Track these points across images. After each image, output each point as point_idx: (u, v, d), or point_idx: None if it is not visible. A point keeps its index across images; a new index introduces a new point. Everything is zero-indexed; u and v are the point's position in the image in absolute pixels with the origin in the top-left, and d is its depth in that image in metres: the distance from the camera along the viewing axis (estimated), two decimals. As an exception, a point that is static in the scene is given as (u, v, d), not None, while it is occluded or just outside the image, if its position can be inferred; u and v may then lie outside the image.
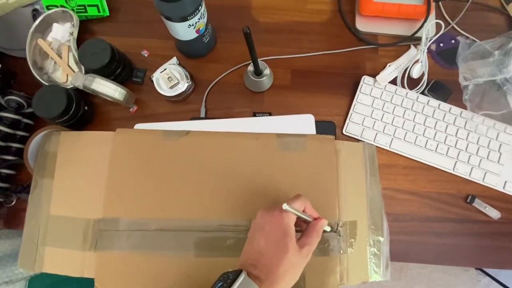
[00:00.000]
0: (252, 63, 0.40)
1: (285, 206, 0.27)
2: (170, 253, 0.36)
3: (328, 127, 0.43)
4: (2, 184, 0.41)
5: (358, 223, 0.38)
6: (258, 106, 0.45)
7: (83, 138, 0.41)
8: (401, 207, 0.42)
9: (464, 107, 0.44)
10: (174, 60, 0.44)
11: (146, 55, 0.47)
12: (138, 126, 0.42)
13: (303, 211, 0.30)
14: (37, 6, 0.47)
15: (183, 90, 0.43)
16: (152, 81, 0.43)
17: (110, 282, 0.36)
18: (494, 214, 0.42)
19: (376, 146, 0.42)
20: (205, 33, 0.42)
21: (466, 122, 0.43)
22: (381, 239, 0.39)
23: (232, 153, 0.39)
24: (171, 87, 0.42)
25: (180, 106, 0.45)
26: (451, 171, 0.43)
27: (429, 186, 0.43)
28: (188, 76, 0.43)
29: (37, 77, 0.43)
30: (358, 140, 0.43)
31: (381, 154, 0.43)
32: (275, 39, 0.47)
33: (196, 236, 0.37)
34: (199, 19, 0.38)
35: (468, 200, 0.42)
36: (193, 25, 0.38)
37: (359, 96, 0.44)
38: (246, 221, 0.37)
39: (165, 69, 0.43)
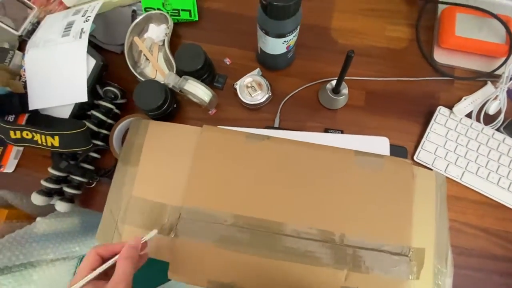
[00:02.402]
0: (335, 81, 0.42)
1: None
2: (241, 249, 0.38)
3: (400, 152, 0.44)
4: (88, 166, 0.44)
5: (426, 251, 0.38)
6: (330, 123, 0.47)
7: (170, 129, 0.43)
8: (467, 242, 0.42)
9: (542, 150, 0.43)
10: (257, 71, 0.47)
11: (228, 62, 0.50)
12: (223, 128, 0.45)
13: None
14: (135, 7, 0.52)
15: (263, 100, 0.45)
16: (235, 88, 0.46)
17: (182, 267, 0.38)
18: None
19: (447, 177, 0.43)
20: (291, 49, 0.44)
21: (541, 165, 0.43)
22: (445, 270, 0.38)
23: (309, 162, 0.41)
24: (253, 96, 0.45)
25: (255, 114, 0.48)
26: (523, 212, 0.42)
27: (498, 224, 0.42)
28: (269, 88, 0.46)
29: (132, 70, 0.47)
30: (429, 169, 0.44)
31: (451, 185, 0.43)
32: (353, 61, 0.48)
33: (268, 237, 0.38)
34: (294, 37, 0.41)
35: (538, 244, 0.41)
36: (287, 41, 0.41)
37: (433, 126, 0.45)
38: (317, 231, 0.38)
39: (249, 79, 0.45)
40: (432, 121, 0.45)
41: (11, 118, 0.46)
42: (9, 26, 0.48)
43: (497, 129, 0.45)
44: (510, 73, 0.45)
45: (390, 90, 0.48)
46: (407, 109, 0.47)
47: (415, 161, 0.44)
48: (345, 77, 0.47)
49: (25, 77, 0.46)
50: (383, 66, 0.49)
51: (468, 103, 0.45)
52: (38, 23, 0.51)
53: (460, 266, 0.41)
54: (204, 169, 0.41)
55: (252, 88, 0.45)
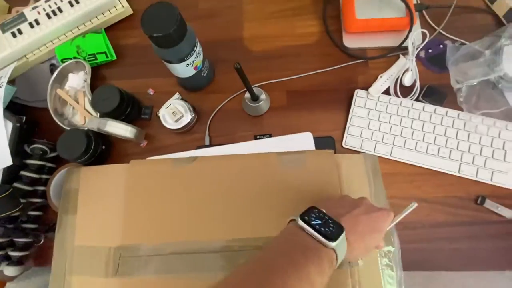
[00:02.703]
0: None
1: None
2: (185, 276, 0.38)
3: (328, 143, 0.45)
4: (31, 225, 0.45)
5: None
6: (259, 129, 0.48)
7: (101, 171, 0.44)
8: (410, 215, 0.42)
9: (461, 109, 0.44)
10: (176, 95, 0.48)
11: (151, 93, 0.51)
12: (150, 159, 0.45)
13: None
14: (53, 61, 0.53)
15: (187, 122, 0.46)
16: (159, 117, 0.47)
17: None
18: (508, 213, 0.41)
19: (378, 156, 0.43)
20: (202, 69, 0.46)
21: (465, 124, 0.44)
22: (392, 249, 0.39)
23: (237, 174, 0.42)
24: (176, 121, 0.46)
25: (186, 137, 0.49)
26: (457, 174, 0.43)
27: (436, 191, 0.43)
28: (191, 109, 0.47)
29: (59, 122, 0.48)
30: (358, 152, 0.44)
31: (383, 163, 0.44)
32: (269, 65, 0.50)
33: (209, 257, 0.38)
34: (195, 58, 0.42)
35: (478, 202, 0.42)
36: (190, 63, 0.42)
37: (354, 110, 0.46)
38: (255, 239, 0.38)
39: (169, 105, 0.46)
40: (352, 105, 0.46)
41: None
42: None
43: (416, 99, 0.46)
44: (415, 42, 0.46)
45: (310, 85, 0.49)
46: (329, 100, 0.48)
47: (344, 148, 0.45)
48: (262, 83, 0.49)
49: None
50: (299, 63, 0.50)
51: (384, 80, 0.47)
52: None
53: (407, 240, 0.41)
54: (137, 204, 0.41)
55: (174, 113, 0.46)
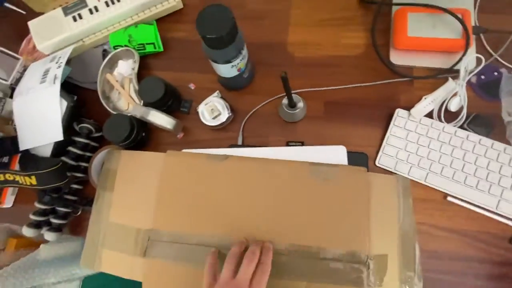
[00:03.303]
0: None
1: None
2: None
3: (361, 158, 0.44)
4: (72, 197, 0.48)
5: (389, 258, 0.38)
6: (292, 136, 0.48)
7: (139, 156, 0.47)
8: (437, 244, 0.41)
9: (508, 144, 0.42)
10: (216, 93, 0.49)
11: (192, 87, 0.53)
12: (185, 151, 0.47)
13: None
14: (106, 47, 0.56)
15: (224, 120, 0.47)
16: (197, 112, 0.48)
17: (156, 286, 0.41)
18: (545, 259, 0.39)
19: (411, 180, 0.42)
20: (245, 71, 0.46)
21: (510, 159, 0.41)
22: (413, 275, 0.38)
23: (266, 177, 0.42)
24: (214, 118, 0.47)
25: (220, 134, 0.50)
26: (494, 210, 0.41)
27: (468, 224, 0.41)
28: (229, 108, 0.48)
29: (105, 105, 0.51)
30: (391, 173, 0.44)
31: (416, 188, 0.43)
32: (310, 73, 0.50)
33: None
34: (240, 60, 0.43)
35: (513, 242, 0.40)
36: (235, 65, 0.43)
37: (393, 129, 0.45)
38: (276, 245, 0.39)
39: (209, 102, 0.48)
40: (391, 124, 0.45)
41: (5, 159, 0.52)
42: (0, 78, 0.54)
43: (461, 127, 0.44)
44: (468, 67, 0.44)
45: (349, 98, 0.48)
46: (367, 115, 0.47)
47: (376, 166, 0.44)
48: (301, 90, 0.49)
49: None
50: (341, 74, 0.49)
51: (428, 102, 0.45)
52: (25, 70, 0.57)
53: (432, 270, 0.40)
54: (169, 192, 0.43)
55: (213, 111, 0.48)
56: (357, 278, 0.37)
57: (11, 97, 0.57)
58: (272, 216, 0.41)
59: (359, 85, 0.48)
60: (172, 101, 0.49)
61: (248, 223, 0.41)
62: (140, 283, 0.41)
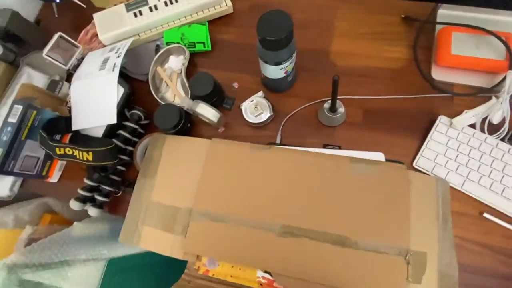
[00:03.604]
0: (329, 101, 0.46)
1: None
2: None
3: (397, 167, 0.45)
4: (116, 177, 0.51)
5: (429, 256, 0.38)
6: (329, 139, 0.50)
7: (184, 142, 0.49)
8: (471, 259, 0.41)
9: (550, 165, 0.42)
10: (260, 93, 0.52)
11: (236, 86, 0.56)
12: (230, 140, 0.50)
13: None
14: (159, 42, 0.61)
15: (265, 119, 0.50)
16: (240, 109, 0.51)
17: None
18: None
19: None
20: (290, 74, 0.49)
21: (550, 180, 0.42)
22: (452, 277, 0.38)
23: (307, 168, 0.44)
24: (256, 116, 0.50)
25: (259, 132, 0.52)
26: (532, 229, 0.41)
27: (504, 242, 0.41)
28: (271, 108, 0.50)
29: (154, 95, 0.55)
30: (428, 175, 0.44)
31: (453, 201, 0.43)
32: (350, 81, 0.52)
33: (267, 235, 0.41)
34: (289, 63, 0.45)
35: (551, 265, 0.40)
36: (284, 68, 0.46)
37: (434, 134, 0.46)
38: (311, 231, 0.41)
39: (253, 100, 0.51)
40: (433, 129, 0.46)
41: (57, 137, 0.56)
42: (60, 62, 0.59)
43: (502, 139, 0.45)
44: (511, 88, 0.45)
45: (388, 108, 0.50)
46: (405, 125, 0.49)
47: (414, 167, 0.45)
48: (343, 96, 0.51)
49: (70, 103, 0.56)
50: (381, 85, 0.51)
51: (470, 116, 0.46)
52: (82, 58, 0.61)
53: (464, 284, 0.40)
54: (212, 176, 0.46)
55: (256, 109, 0.50)
56: (397, 271, 0.37)
57: (67, 80, 0.62)
58: (310, 205, 0.42)
59: (398, 96, 0.50)
60: (217, 97, 0.52)
61: (286, 210, 0.42)
62: (158, 272, 0.42)
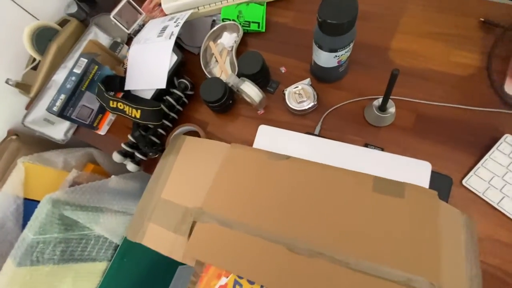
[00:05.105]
0: (381, 98, 0.43)
1: None
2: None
3: (444, 181, 0.42)
4: (156, 140, 0.54)
5: None
6: (371, 139, 0.47)
7: (203, 144, 0.49)
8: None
9: None
10: (307, 80, 0.51)
11: (283, 71, 0.55)
12: (262, 127, 0.50)
13: None
14: (215, 18, 0.62)
15: (308, 107, 0.48)
16: (284, 94, 0.50)
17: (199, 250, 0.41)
18: None
19: (499, 212, 0.39)
20: (343, 64, 0.47)
21: None
22: None
23: (325, 183, 0.41)
24: (299, 102, 0.49)
25: (299, 120, 0.51)
26: None
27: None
28: (316, 97, 0.49)
29: (203, 68, 0.56)
30: (477, 196, 0.40)
31: (503, 229, 0.39)
32: (407, 82, 0.48)
33: (274, 246, 0.38)
34: (345, 52, 0.43)
35: None
36: (338, 56, 0.44)
37: (494, 153, 0.41)
38: (330, 252, 0.37)
39: (298, 87, 0.49)
40: (494, 148, 0.41)
41: (111, 93, 0.60)
42: (123, 26, 0.63)
43: None
44: None
45: (446, 116, 0.46)
46: (461, 138, 0.44)
47: (462, 185, 0.41)
48: (396, 97, 0.48)
49: (126, 65, 0.60)
50: (441, 91, 0.47)
51: (542, 143, 0.40)
52: (143, 25, 0.65)
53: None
54: (226, 179, 0.44)
55: (299, 95, 0.49)
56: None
57: (127, 44, 0.67)
58: (322, 223, 0.38)
59: (460, 106, 0.45)
60: (262, 78, 0.52)
61: (299, 225, 0.39)
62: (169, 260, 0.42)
